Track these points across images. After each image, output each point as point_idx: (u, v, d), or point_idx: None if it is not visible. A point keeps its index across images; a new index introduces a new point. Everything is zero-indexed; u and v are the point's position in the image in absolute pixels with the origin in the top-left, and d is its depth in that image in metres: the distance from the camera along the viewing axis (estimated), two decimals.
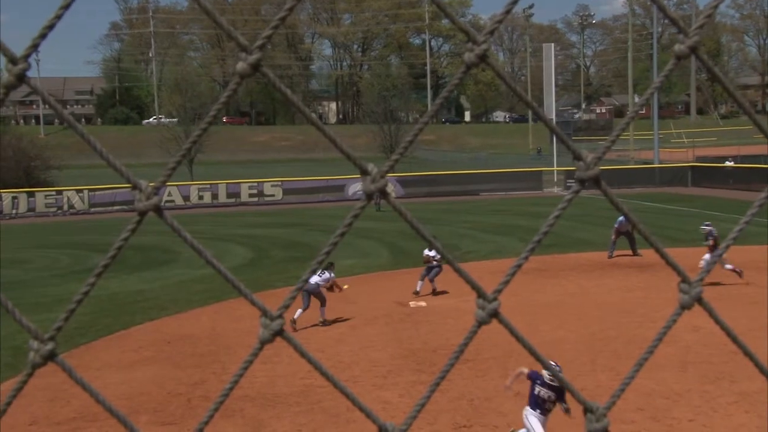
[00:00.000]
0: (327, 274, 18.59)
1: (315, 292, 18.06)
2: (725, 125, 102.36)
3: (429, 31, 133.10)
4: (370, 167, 1.05)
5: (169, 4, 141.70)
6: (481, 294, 0.96)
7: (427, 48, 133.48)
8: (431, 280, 20.20)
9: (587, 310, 18.52)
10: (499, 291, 0.96)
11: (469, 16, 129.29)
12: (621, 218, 24.32)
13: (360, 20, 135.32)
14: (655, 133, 60.26)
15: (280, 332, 1.01)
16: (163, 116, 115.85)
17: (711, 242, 20.42)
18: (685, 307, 1.02)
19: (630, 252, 25.00)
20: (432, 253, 20.05)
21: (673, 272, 1.11)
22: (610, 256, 25.18)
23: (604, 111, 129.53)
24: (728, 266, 20.33)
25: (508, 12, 1.10)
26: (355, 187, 46.83)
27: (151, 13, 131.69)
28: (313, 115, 1.08)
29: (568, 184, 49.17)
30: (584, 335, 16.34)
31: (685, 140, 77.71)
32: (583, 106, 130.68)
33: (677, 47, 1.10)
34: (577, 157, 1.08)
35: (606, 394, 12.86)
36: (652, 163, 57.78)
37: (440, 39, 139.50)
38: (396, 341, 16.57)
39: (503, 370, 14.07)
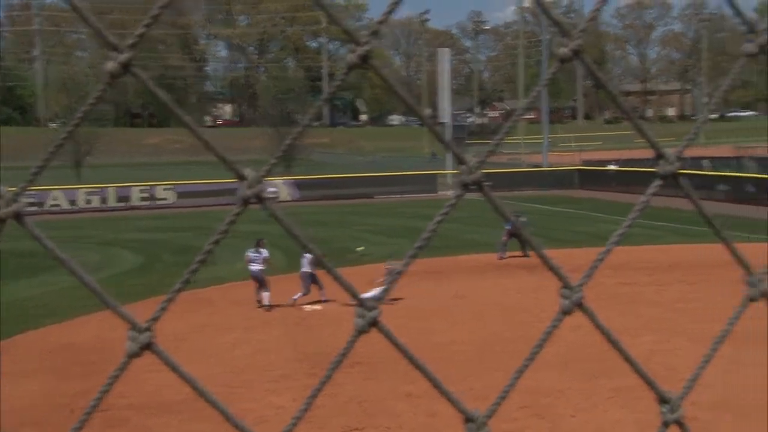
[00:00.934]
0: (264, 253, 18.98)
1: (259, 278, 19.26)
2: (610, 130, 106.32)
3: (326, 35, 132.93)
4: (247, 172, 1.01)
5: (54, 1, 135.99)
6: (360, 302, 0.93)
7: (324, 51, 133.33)
8: (320, 288, 19.88)
9: (478, 312, 18.86)
10: (379, 299, 0.93)
11: (365, 20, 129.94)
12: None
13: (256, 22, 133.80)
14: (545, 137, 61.92)
15: (148, 345, 0.95)
16: None
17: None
18: (566, 312, 1.02)
19: (521, 253, 25.58)
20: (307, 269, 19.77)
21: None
22: (502, 257, 25.70)
23: (497, 115, 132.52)
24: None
25: (389, 12, 1.07)
26: None
27: (34, 11, 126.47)
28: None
29: None
30: (474, 336, 16.63)
31: (572, 144, 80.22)
32: (477, 110, 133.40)
33: (561, 50, 1.10)
34: (460, 161, 1.06)
35: (494, 394, 13.10)
36: (542, 166, 59.39)
37: (337, 42, 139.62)
38: (290, 345, 16.46)
39: (394, 373, 14.15)
